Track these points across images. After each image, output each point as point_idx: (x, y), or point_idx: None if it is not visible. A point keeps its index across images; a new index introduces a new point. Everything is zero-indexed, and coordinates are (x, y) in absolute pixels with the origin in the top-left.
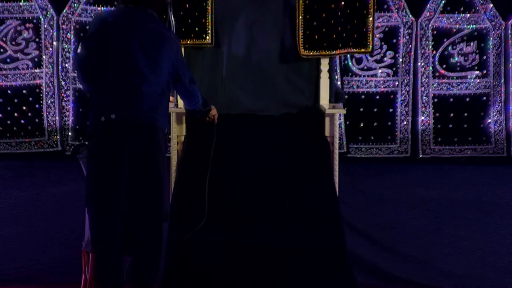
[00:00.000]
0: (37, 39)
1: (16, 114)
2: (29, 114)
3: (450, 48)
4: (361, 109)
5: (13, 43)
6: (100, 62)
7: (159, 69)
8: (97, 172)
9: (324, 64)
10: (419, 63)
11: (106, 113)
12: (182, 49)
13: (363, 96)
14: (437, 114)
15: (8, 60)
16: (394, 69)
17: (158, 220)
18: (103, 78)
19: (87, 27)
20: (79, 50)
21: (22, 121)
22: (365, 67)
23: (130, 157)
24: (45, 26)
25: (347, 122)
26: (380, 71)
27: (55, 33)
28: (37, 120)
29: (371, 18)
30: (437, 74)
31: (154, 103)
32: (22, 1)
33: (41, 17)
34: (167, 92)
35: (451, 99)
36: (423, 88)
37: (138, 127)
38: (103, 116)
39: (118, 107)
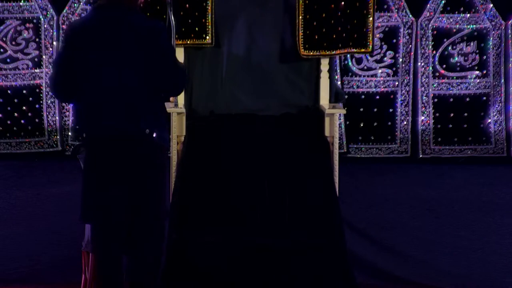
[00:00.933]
0: (37, 39)
1: (16, 114)
2: (29, 114)
3: (450, 48)
4: (361, 109)
5: (13, 43)
6: (70, 78)
7: (139, 68)
8: (92, 187)
9: (324, 64)
10: (419, 63)
11: (85, 130)
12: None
13: (363, 96)
14: (437, 114)
15: (8, 60)
16: (394, 69)
17: (157, 223)
18: (77, 94)
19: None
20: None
21: (22, 121)
22: (365, 67)
23: (122, 168)
24: (45, 26)
25: (347, 122)
26: (380, 71)
27: (55, 33)
28: (37, 120)
29: (371, 18)
30: (437, 74)
31: (127, 110)
32: (22, 1)
33: (41, 17)
34: (155, 91)
35: (451, 99)
36: (423, 88)
37: (116, 141)
38: (84, 132)
39: (90, 122)
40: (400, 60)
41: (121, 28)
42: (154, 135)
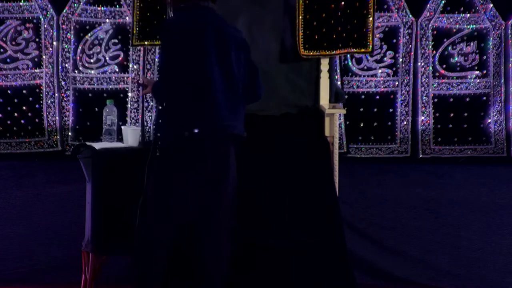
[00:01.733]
0: (37, 39)
1: (16, 114)
2: (29, 114)
3: (450, 48)
4: (361, 109)
5: (13, 43)
6: (177, 71)
7: (233, 73)
8: (169, 186)
9: (324, 64)
10: (419, 63)
11: (188, 127)
12: None
13: (363, 96)
14: (437, 114)
15: (8, 60)
16: (394, 69)
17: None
18: (180, 88)
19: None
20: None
21: (22, 121)
22: (365, 67)
23: (207, 171)
24: (45, 26)
25: (347, 122)
26: (380, 71)
27: (55, 33)
28: (37, 120)
29: (371, 18)
30: (437, 74)
31: (231, 110)
32: (22, 1)
33: (41, 17)
34: (241, 94)
35: (451, 99)
36: (423, 88)
37: (219, 140)
38: (186, 130)
39: (199, 120)
40: (400, 60)
41: (217, 31)
42: (243, 134)
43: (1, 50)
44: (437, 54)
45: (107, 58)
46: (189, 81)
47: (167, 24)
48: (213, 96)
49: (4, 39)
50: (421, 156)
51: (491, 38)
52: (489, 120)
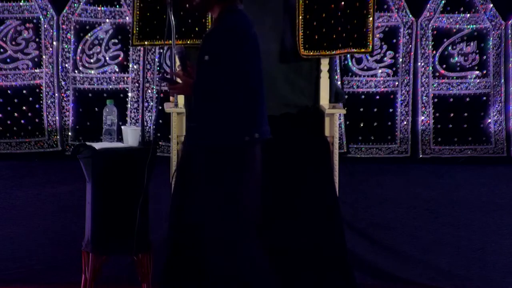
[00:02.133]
0: (37, 39)
1: (16, 114)
2: (29, 114)
3: (450, 48)
4: (361, 109)
5: (13, 43)
6: (233, 77)
7: (262, 76)
8: (231, 189)
9: (324, 64)
10: (419, 63)
11: (249, 132)
12: None
13: (363, 96)
14: (437, 114)
15: (8, 60)
16: (394, 69)
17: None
18: (239, 93)
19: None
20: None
21: (22, 121)
22: (365, 67)
23: (260, 173)
24: (45, 26)
25: (347, 122)
26: (380, 71)
27: (55, 33)
28: (37, 120)
29: (371, 18)
30: (437, 74)
31: (265, 114)
32: (22, 1)
33: (41, 17)
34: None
35: (451, 99)
36: (423, 88)
37: (263, 143)
38: (247, 135)
39: (257, 124)
40: (400, 60)
41: (254, 35)
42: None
43: (1, 50)
44: (437, 54)
45: (107, 58)
46: (246, 86)
47: (226, 30)
48: (262, 100)
49: (4, 39)
50: (421, 156)
51: (491, 38)
52: (489, 120)
